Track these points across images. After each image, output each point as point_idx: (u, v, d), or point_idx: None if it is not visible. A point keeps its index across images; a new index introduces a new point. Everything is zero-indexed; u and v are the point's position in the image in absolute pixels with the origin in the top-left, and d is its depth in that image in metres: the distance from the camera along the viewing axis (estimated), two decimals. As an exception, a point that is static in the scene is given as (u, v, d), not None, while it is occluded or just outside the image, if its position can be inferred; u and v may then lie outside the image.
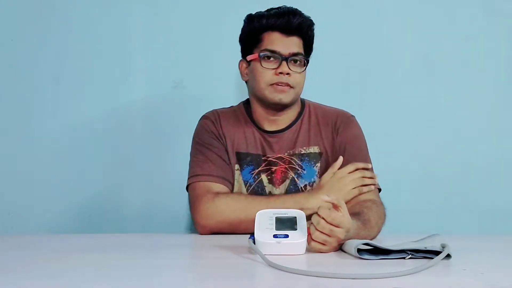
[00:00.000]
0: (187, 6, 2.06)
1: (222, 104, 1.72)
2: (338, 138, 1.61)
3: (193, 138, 1.66)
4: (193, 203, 1.53)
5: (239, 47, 1.66)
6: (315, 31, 1.61)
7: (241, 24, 1.63)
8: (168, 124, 2.05)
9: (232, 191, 1.58)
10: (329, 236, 1.14)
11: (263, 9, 1.61)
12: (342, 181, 1.50)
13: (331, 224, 1.14)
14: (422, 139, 2.04)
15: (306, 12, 1.59)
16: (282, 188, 1.60)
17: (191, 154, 1.63)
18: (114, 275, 0.97)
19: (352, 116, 1.66)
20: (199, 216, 1.49)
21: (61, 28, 2.05)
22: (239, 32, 1.64)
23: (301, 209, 1.45)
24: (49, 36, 2.05)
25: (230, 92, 2.02)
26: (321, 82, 1.87)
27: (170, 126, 2.04)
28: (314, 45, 1.63)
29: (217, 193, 1.51)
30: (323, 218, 1.14)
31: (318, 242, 1.15)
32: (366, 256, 1.08)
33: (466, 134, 2.04)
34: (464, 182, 2.03)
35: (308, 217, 1.20)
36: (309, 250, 1.16)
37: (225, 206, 1.47)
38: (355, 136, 1.62)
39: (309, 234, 1.15)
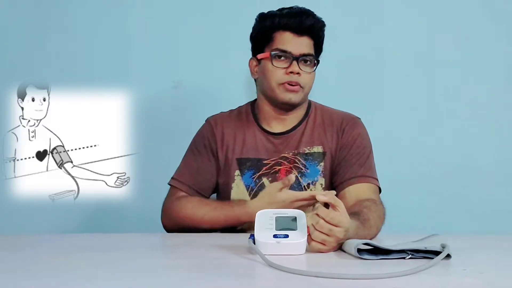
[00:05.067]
0: (186, 6, 2.05)
1: (221, 104, 1.72)
2: (344, 138, 1.62)
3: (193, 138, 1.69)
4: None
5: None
6: None
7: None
8: (168, 124, 2.05)
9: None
10: (328, 235, 1.14)
11: (264, 10, 1.61)
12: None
13: (330, 224, 1.14)
14: (422, 139, 2.04)
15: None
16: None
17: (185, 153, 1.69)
18: (114, 275, 0.97)
19: (358, 118, 1.67)
20: (162, 215, 1.63)
21: (60, 28, 2.05)
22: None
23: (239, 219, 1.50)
24: (49, 36, 2.05)
25: (230, 92, 2.02)
26: (320, 82, 1.86)
27: (170, 126, 2.04)
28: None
29: (177, 198, 1.61)
30: (322, 218, 1.14)
31: (318, 242, 1.15)
32: (366, 256, 1.08)
33: (466, 134, 2.04)
34: (464, 182, 2.02)
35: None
36: (309, 250, 1.16)
37: (175, 213, 1.57)
38: (361, 136, 1.63)
39: (308, 234, 1.15)
